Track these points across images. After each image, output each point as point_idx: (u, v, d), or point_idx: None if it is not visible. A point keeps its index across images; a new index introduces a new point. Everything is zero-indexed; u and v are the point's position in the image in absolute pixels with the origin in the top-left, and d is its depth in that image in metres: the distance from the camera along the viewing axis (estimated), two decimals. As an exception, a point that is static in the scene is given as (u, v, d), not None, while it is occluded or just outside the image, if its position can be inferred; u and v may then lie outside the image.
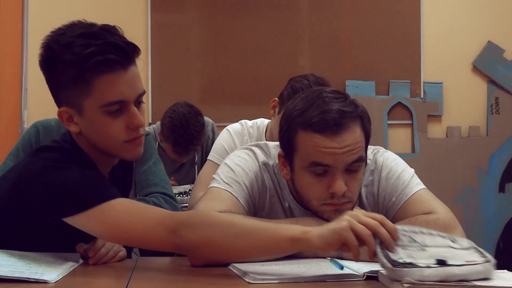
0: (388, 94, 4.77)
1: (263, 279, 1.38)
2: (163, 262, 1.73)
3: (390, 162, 1.73)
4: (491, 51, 4.82)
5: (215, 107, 4.59)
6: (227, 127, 2.79)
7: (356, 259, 1.35)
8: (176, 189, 3.33)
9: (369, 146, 1.73)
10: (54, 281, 1.38)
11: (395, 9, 4.77)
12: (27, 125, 4.27)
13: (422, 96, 4.79)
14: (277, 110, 2.59)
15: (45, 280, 1.37)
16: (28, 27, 4.45)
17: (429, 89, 4.80)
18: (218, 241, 1.44)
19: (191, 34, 4.72)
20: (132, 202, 1.54)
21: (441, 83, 4.81)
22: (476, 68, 4.84)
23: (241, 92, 4.69)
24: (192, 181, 3.53)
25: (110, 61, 1.52)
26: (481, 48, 4.83)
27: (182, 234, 1.45)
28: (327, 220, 1.59)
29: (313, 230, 1.37)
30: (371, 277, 1.41)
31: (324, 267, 1.49)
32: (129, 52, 1.56)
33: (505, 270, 1.45)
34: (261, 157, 1.73)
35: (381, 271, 1.40)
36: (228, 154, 2.59)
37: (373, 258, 1.32)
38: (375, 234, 1.32)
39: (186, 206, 2.83)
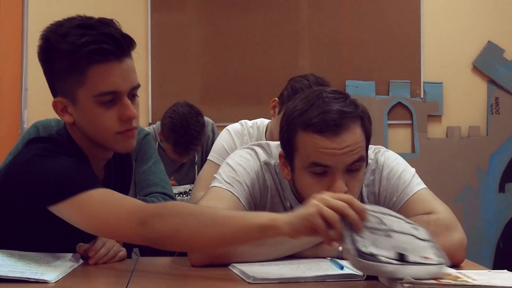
0: (388, 94, 4.77)
1: (263, 279, 1.38)
2: (163, 262, 1.73)
3: (391, 161, 1.73)
4: (491, 51, 4.82)
5: (215, 107, 4.59)
6: (227, 127, 2.79)
7: (327, 243, 1.34)
8: (176, 189, 3.33)
9: (370, 146, 1.73)
10: (54, 281, 1.38)
11: (395, 9, 4.77)
12: (27, 125, 4.27)
13: (422, 96, 4.79)
14: (277, 110, 2.59)
15: (45, 280, 1.37)
16: (28, 27, 4.45)
17: (429, 89, 4.80)
18: (187, 231, 1.42)
19: (191, 34, 4.72)
20: (112, 193, 1.52)
21: (441, 83, 4.81)
22: (476, 68, 4.84)
23: (241, 92, 4.69)
24: (192, 181, 3.53)
25: (104, 50, 1.54)
26: (481, 48, 4.83)
27: (151, 226, 1.42)
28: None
29: (282, 217, 1.37)
30: (371, 277, 1.41)
31: (324, 267, 1.49)
32: (123, 43, 1.58)
33: (505, 270, 1.45)
34: (263, 156, 1.73)
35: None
36: (228, 154, 2.60)
37: (340, 242, 1.32)
38: (343, 216, 1.31)
39: (186, 206, 2.82)
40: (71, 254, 1.61)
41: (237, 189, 1.67)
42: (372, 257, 1.27)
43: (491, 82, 4.84)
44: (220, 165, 2.55)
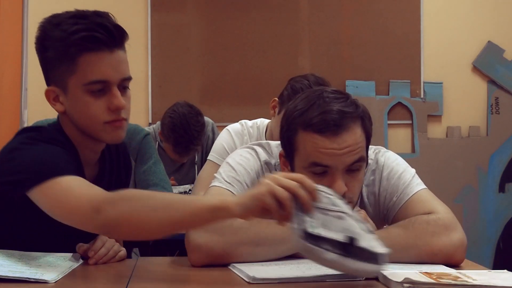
0: (388, 94, 4.77)
1: (263, 279, 1.38)
2: (163, 262, 1.73)
3: (392, 162, 1.73)
4: (491, 51, 4.82)
5: (215, 107, 4.59)
6: (227, 127, 2.79)
7: (279, 223, 1.34)
8: (176, 189, 3.33)
9: (370, 146, 1.72)
10: (54, 281, 1.38)
11: (395, 9, 4.78)
12: (27, 125, 4.27)
13: (422, 96, 4.79)
14: (277, 110, 2.59)
15: (45, 280, 1.37)
16: (28, 27, 4.45)
17: (429, 89, 4.80)
18: (137, 216, 1.39)
19: (191, 34, 4.72)
20: (80, 181, 1.51)
21: (441, 83, 4.81)
22: (476, 68, 4.84)
23: (241, 92, 4.69)
24: (192, 181, 3.54)
25: (95, 39, 1.55)
26: (481, 48, 4.83)
27: (103, 213, 1.40)
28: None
29: (233, 198, 1.36)
30: (371, 277, 1.41)
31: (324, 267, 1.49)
32: (115, 34, 1.59)
33: (505, 270, 1.46)
34: (263, 156, 1.73)
35: (381, 271, 1.40)
36: (228, 154, 2.60)
37: (289, 221, 1.31)
38: (294, 196, 1.30)
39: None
40: (71, 254, 1.61)
41: (237, 188, 1.67)
42: (317, 241, 1.26)
43: (491, 82, 4.84)
44: (220, 165, 2.56)
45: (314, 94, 1.61)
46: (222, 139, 2.74)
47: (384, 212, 1.71)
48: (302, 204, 1.30)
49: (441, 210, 1.62)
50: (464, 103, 4.83)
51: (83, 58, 1.57)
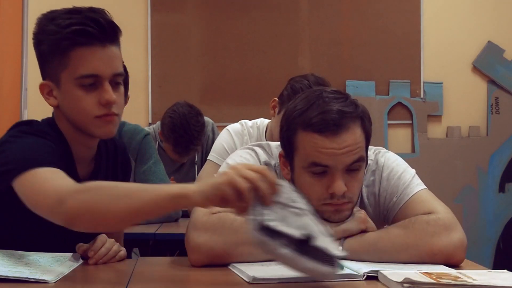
0: (388, 94, 4.77)
1: (263, 279, 1.38)
2: (163, 262, 1.73)
3: (392, 162, 1.73)
4: (491, 51, 4.82)
5: (215, 107, 4.59)
6: (227, 127, 2.79)
7: (237, 214, 1.33)
8: (176, 189, 3.32)
9: (370, 147, 1.72)
10: (54, 281, 1.38)
11: (395, 9, 4.77)
12: (27, 125, 4.26)
13: (422, 96, 4.79)
14: (277, 110, 2.59)
15: (45, 280, 1.37)
16: (28, 27, 4.45)
17: (429, 89, 4.80)
18: (99, 205, 1.38)
19: (191, 34, 4.72)
20: (56, 172, 1.50)
21: (441, 83, 4.81)
22: (476, 68, 4.84)
23: (241, 92, 4.69)
24: (192, 181, 3.50)
25: (86, 33, 1.57)
26: (481, 48, 4.83)
27: (65, 203, 1.39)
28: (328, 220, 1.60)
29: (194, 186, 1.34)
30: (371, 277, 1.41)
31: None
32: (107, 29, 1.60)
33: (505, 270, 1.46)
34: (263, 157, 1.73)
35: (381, 270, 1.40)
36: (228, 154, 2.61)
37: (247, 213, 1.30)
38: (254, 188, 1.29)
39: (186, 206, 2.82)
40: (71, 254, 1.61)
41: (237, 189, 1.67)
42: (272, 235, 1.25)
43: (491, 82, 4.84)
44: (220, 165, 2.57)
45: (314, 94, 1.61)
46: (222, 139, 2.74)
47: (384, 212, 1.71)
48: (262, 197, 1.29)
49: (441, 210, 1.62)
50: (464, 103, 4.83)
51: (75, 52, 1.58)
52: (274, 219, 1.27)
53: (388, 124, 4.78)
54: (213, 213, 1.58)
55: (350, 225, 1.59)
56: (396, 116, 4.80)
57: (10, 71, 4.36)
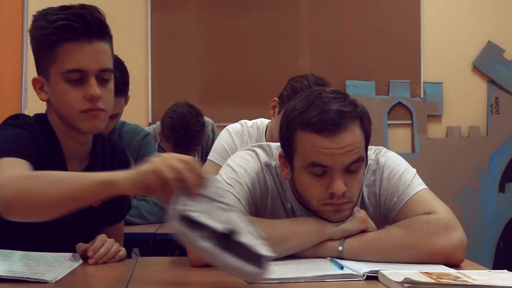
0: (388, 94, 4.77)
1: (263, 279, 1.38)
2: (163, 262, 1.73)
3: (392, 162, 1.73)
4: (491, 51, 4.82)
5: (215, 107, 4.59)
6: (227, 127, 2.79)
7: (161, 203, 1.31)
8: (176, 189, 3.32)
9: (371, 146, 1.73)
10: (54, 281, 1.38)
11: (395, 9, 4.77)
12: (27, 125, 4.25)
13: (422, 96, 4.79)
14: (277, 110, 2.59)
15: (45, 280, 1.37)
16: (28, 27, 4.45)
17: (429, 89, 4.80)
18: (31, 192, 1.36)
19: (191, 34, 4.72)
20: (17, 162, 1.49)
21: (441, 83, 4.81)
22: (476, 68, 4.84)
23: (241, 92, 4.69)
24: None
25: (72, 28, 1.59)
26: (481, 48, 4.83)
27: (2, 191, 1.37)
28: (328, 220, 1.60)
29: (122, 173, 1.33)
30: (371, 277, 1.41)
31: (324, 267, 1.49)
32: (93, 24, 1.62)
33: (505, 270, 1.46)
34: (263, 158, 1.73)
35: (381, 270, 1.40)
36: (228, 154, 2.61)
37: (170, 203, 1.28)
38: (181, 179, 1.28)
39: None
40: (71, 254, 1.61)
41: (238, 190, 1.67)
42: (195, 227, 1.23)
43: (491, 82, 4.84)
44: (219, 165, 2.57)
45: (313, 94, 1.61)
46: (222, 139, 2.74)
47: (385, 212, 1.71)
48: (187, 188, 1.28)
49: (442, 210, 1.62)
50: (464, 103, 4.83)
51: (62, 47, 1.61)
52: (197, 210, 1.25)
53: (388, 124, 4.78)
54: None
55: (350, 225, 1.59)
56: (396, 116, 4.80)
57: (10, 71, 4.36)
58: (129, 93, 2.66)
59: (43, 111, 1.77)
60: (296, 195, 1.68)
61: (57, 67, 1.63)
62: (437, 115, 4.81)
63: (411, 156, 4.68)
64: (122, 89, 2.59)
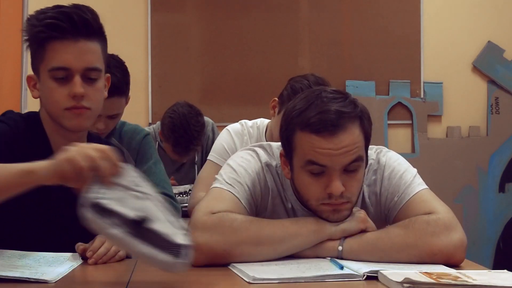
0: (388, 94, 4.77)
1: (263, 279, 1.38)
2: (163, 262, 1.72)
3: (393, 162, 1.73)
4: (491, 51, 4.82)
5: (215, 107, 4.59)
6: (227, 127, 2.79)
7: (75, 191, 1.31)
8: (176, 189, 3.33)
9: (372, 146, 1.73)
10: (54, 281, 1.38)
11: (395, 9, 4.77)
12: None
13: (422, 96, 4.79)
14: (277, 110, 2.59)
15: (45, 280, 1.37)
16: (28, 27, 4.45)
17: (429, 89, 4.80)
18: None
19: (191, 34, 4.72)
20: None
21: (441, 83, 4.81)
22: (476, 68, 4.84)
23: (241, 92, 4.69)
24: (192, 181, 3.54)
25: (58, 26, 1.62)
26: (481, 48, 4.83)
27: None
28: (326, 220, 1.60)
29: (41, 163, 1.34)
30: (371, 277, 1.41)
31: (324, 267, 1.49)
32: (79, 24, 1.63)
33: (505, 270, 1.46)
34: (264, 158, 1.73)
35: (381, 270, 1.40)
36: (228, 154, 2.61)
37: (84, 191, 1.28)
38: (94, 167, 1.28)
39: (186, 206, 2.83)
40: (71, 254, 1.61)
41: (238, 190, 1.67)
42: (106, 214, 1.23)
43: (491, 82, 4.84)
44: (220, 165, 2.57)
45: (313, 94, 1.61)
46: (222, 139, 2.74)
47: (385, 212, 1.71)
48: (101, 176, 1.28)
49: (442, 210, 1.62)
50: (464, 103, 4.83)
51: (50, 45, 1.64)
52: (109, 198, 1.25)
53: (388, 124, 4.78)
54: (213, 213, 1.58)
55: (349, 224, 1.59)
56: (396, 116, 4.80)
57: (10, 71, 4.36)
58: (129, 93, 2.66)
59: (43, 111, 1.78)
60: (297, 195, 1.68)
61: (45, 64, 1.66)
62: (437, 115, 4.81)
63: (411, 156, 4.68)
64: (122, 89, 2.59)
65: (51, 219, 1.61)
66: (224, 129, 2.80)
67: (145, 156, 2.79)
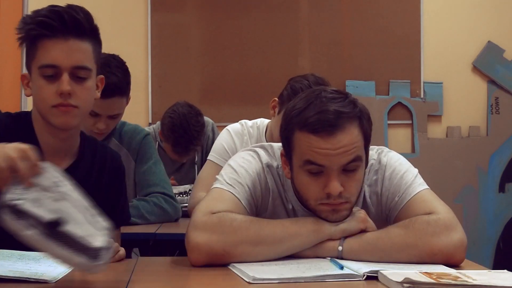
0: (388, 94, 4.77)
1: (263, 279, 1.38)
2: (163, 262, 1.73)
3: (394, 162, 1.73)
4: (491, 51, 4.82)
5: (215, 107, 4.59)
6: (227, 127, 2.79)
7: None
8: (176, 189, 3.33)
9: (373, 146, 1.73)
10: (54, 281, 1.38)
11: (395, 9, 4.77)
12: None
13: (422, 96, 4.79)
14: (277, 110, 2.59)
15: (45, 280, 1.37)
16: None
17: (429, 89, 4.80)
18: None
19: (191, 34, 4.72)
20: None
21: (441, 83, 4.81)
22: (476, 68, 4.84)
23: (241, 92, 4.69)
24: (192, 181, 3.53)
25: (49, 25, 1.64)
26: (481, 48, 4.83)
27: None
28: (325, 219, 1.60)
29: None
30: (371, 277, 1.41)
31: (324, 267, 1.49)
32: (68, 22, 1.65)
33: (505, 270, 1.46)
34: (265, 158, 1.73)
35: (381, 270, 1.40)
36: (228, 154, 2.61)
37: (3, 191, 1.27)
38: (13, 168, 1.27)
39: (186, 206, 2.83)
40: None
41: (238, 190, 1.67)
42: (22, 216, 1.22)
43: (491, 82, 4.84)
44: (219, 165, 2.57)
45: (313, 94, 1.61)
46: (222, 139, 2.74)
47: (386, 212, 1.71)
48: (20, 177, 1.28)
49: (442, 210, 1.62)
50: (464, 103, 4.83)
51: (40, 43, 1.66)
52: (25, 199, 1.25)
53: (388, 124, 4.78)
54: (213, 213, 1.58)
55: (349, 224, 1.59)
56: (396, 116, 4.80)
57: (10, 71, 4.36)
58: (130, 93, 2.66)
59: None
60: (298, 196, 1.68)
61: (35, 62, 1.68)
62: (437, 115, 4.81)
63: (411, 156, 4.68)
64: (123, 89, 2.59)
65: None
66: (224, 129, 2.80)
67: (145, 156, 2.79)
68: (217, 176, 1.74)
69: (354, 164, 1.58)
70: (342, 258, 1.56)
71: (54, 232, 1.24)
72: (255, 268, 1.47)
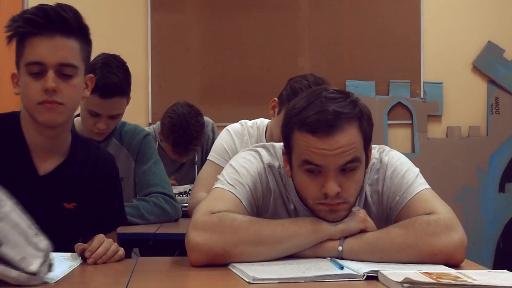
0: (388, 94, 4.77)
1: (263, 279, 1.38)
2: (163, 262, 1.73)
3: (395, 161, 1.73)
4: (491, 51, 4.82)
5: (215, 107, 4.59)
6: (227, 127, 2.79)
7: None
8: (176, 189, 3.33)
9: (375, 146, 1.73)
10: (54, 281, 1.38)
11: (395, 9, 4.77)
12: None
13: (422, 96, 4.79)
14: (276, 110, 2.59)
15: (45, 280, 1.36)
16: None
17: (429, 89, 4.80)
18: None
19: (191, 34, 4.72)
20: None
21: (441, 83, 4.81)
22: (476, 68, 4.84)
23: (241, 92, 4.69)
24: (192, 181, 3.53)
25: (35, 22, 1.66)
26: (481, 48, 4.83)
27: None
28: (324, 219, 1.60)
29: None
30: (371, 277, 1.41)
31: (324, 267, 1.49)
32: (54, 20, 1.67)
33: (505, 270, 1.46)
34: (266, 158, 1.73)
35: (381, 270, 1.40)
36: (228, 154, 2.61)
37: None
38: None
39: (186, 206, 2.83)
40: (70, 254, 1.61)
41: (239, 190, 1.67)
42: None
43: (491, 82, 4.84)
44: (219, 165, 2.57)
45: (314, 94, 1.61)
46: (222, 139, 2.74)
47: (387, 211, 1.71)
48: None
49: (442, 210, 1.62)
50: (464, 103, 4.83)
51: (28, 41, 1.68)
52: None
53: (388, 124, 4.78)
54: (213, 213, 1.58)
55: (349, 224, 1.59)
56: (396, 116, 4.80)
57: (10, 71, 4.35)
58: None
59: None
60: (299, 195, 1.68)
61: (23, 60, 1.70)
62: (437, 115, 4.81)
63: (411, 156, 4.67)
64: (124, 89, 2.59)
65: (51, 219, 1.61)
66: (224, 129, 2.80)
67: (145, 156, 2.79)
68: (218, 176, 1.74)
69: (352, 165, 1.58)
70: (342, 258, 1.56)
71: None
72: (255, 268, 1.47)
